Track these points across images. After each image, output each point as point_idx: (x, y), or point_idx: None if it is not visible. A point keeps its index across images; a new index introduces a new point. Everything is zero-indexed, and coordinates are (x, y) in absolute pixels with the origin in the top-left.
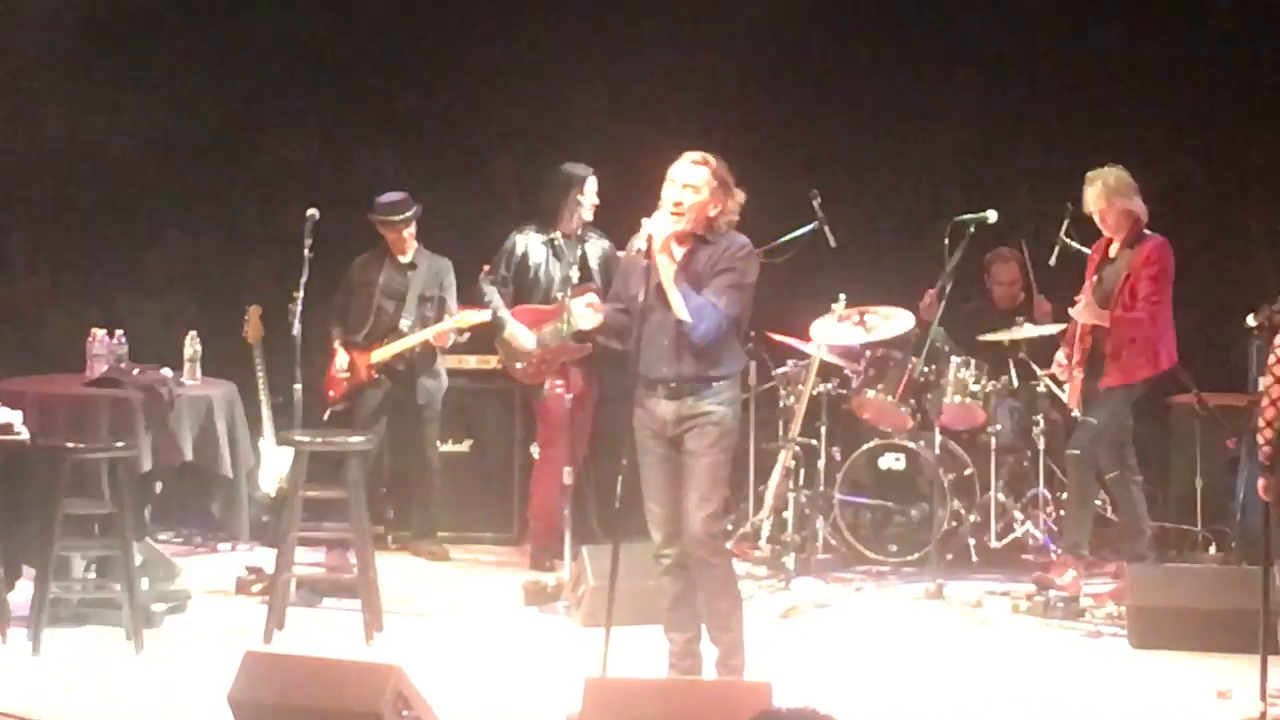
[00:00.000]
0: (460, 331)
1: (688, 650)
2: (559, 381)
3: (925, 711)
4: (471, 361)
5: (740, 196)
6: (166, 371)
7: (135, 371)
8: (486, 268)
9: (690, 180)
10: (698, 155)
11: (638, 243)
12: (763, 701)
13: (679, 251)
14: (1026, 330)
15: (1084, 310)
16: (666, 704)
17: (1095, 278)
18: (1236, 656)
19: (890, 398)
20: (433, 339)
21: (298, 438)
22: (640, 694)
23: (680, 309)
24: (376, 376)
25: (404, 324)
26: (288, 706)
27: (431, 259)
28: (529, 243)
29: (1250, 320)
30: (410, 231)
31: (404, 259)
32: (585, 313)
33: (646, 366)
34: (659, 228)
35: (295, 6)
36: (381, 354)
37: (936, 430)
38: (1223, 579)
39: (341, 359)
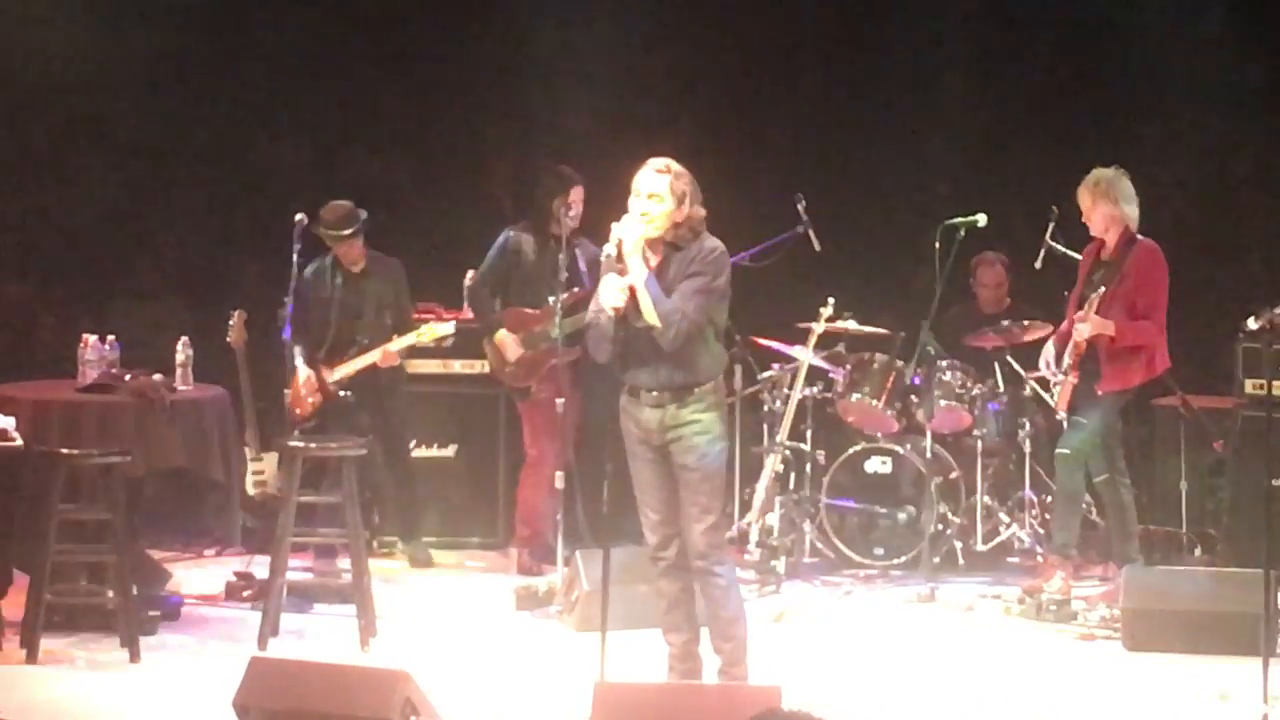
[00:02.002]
0: (412, 349)
1: (687, 652)
2: (545, 386)
3: (923, 716)
4: (456, 365)
5: (701, 211)
6: (158, 377)
7: (127, 377)
8: (472, 272)
9: (654, 189)
10: (660, 163)
11: (608, 248)
12: (772, 706)
13: (652, 258)
14: (1012, 334)
15: (1090, 326)
16: (676, 708)
17: (1089, 286)
18: (1233, 659)
19: (875, 401)
20: (380, 361)
21: (292, 443)
22: (649, 698)
23: (650, 313)
24: (342, 394)
25: (364, 338)
26: (295, 712)
27: (384, 265)
28: (522, 242)
29: (1251, 323)
30: (358, 241)
31: (355, 269)
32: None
33: (629, 374)
34: (629, 231)
35: (287, 11)
36: (344, 370)
37: (929, 434)
38: (1218, 582)
39: (305, 374)
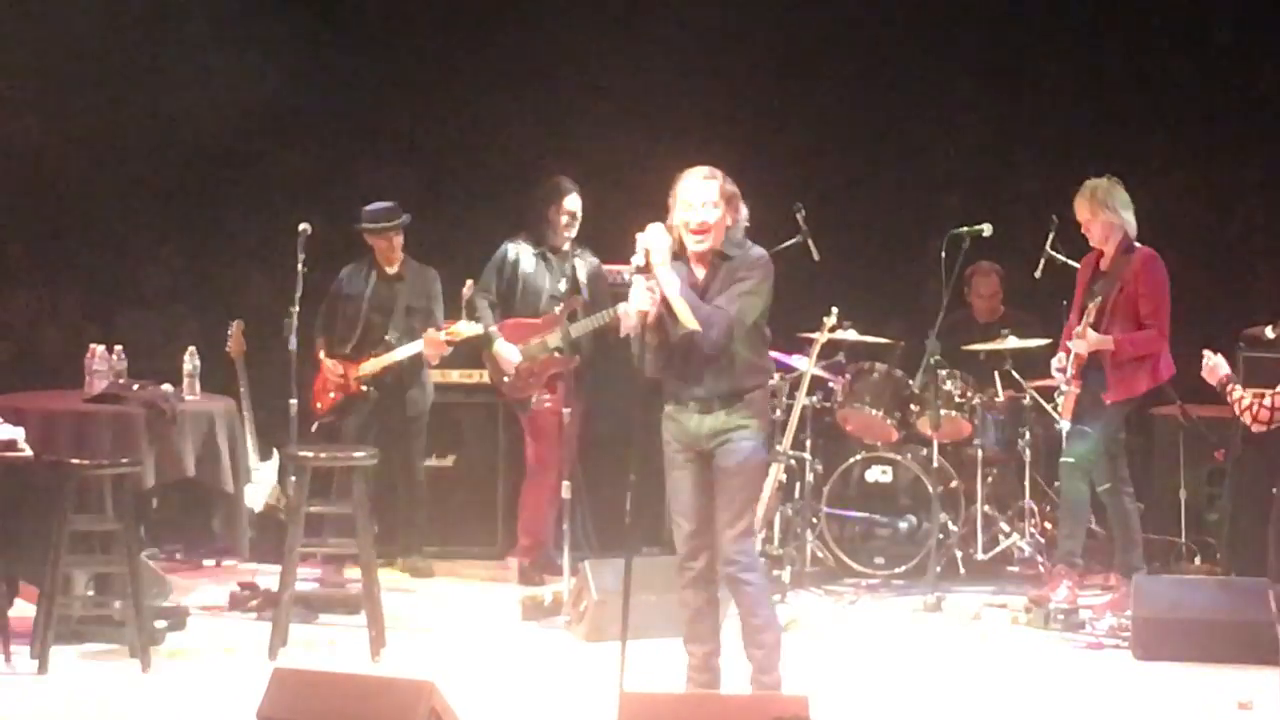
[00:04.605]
0: (451, 344)
1: (706, 664)
2: (547, 396)
3: None
4: (455, 375)
5: (746, 211)
6: (167, 387)
7: (135, 387)
8: (470, 282)
9: (710, 197)
10: (705, 170)
11: (636, 259)
12: (800, 715)
13: (700, 270)
14: (1011, 343)
15: (1087, 343)
16: (703, 717)
17: (1089, 296)
18: (1245, 668)
19: (875, 410)
20: (424, 351)
21: (302, 453)
22: (676, 708)
23: (688, 319)
24: (365, 389)
25: (391, 336)
26: None
27: (419, 270)
28: (520, 253)
29: (1269, 332)
30: (398, 241)
31: (391, 270)
32: (643, 294)
33: (675, 381)
34: (656, 242)
35: (293, 21)
36: (370, 367)
37: (935, 444)
38: (1229, 590)
39: (334, 367)
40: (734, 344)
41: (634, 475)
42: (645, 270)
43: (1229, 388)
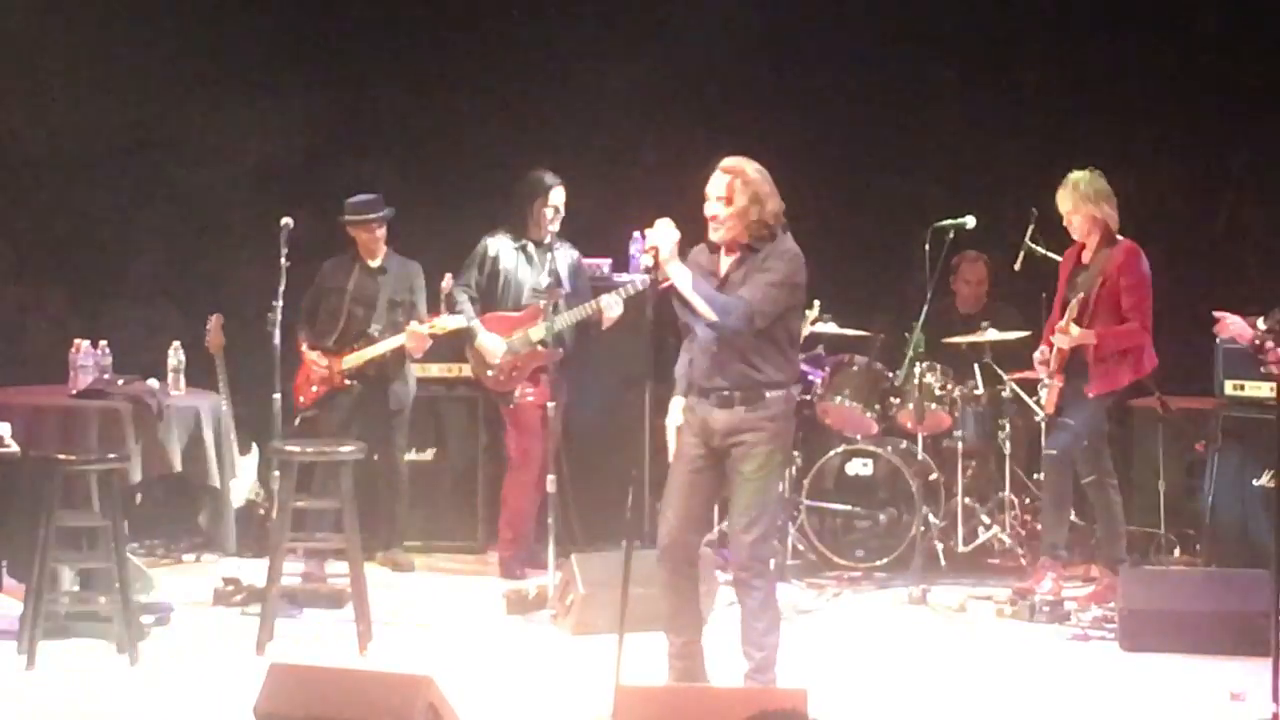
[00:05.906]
0: (434, 337)
1: (686, 651)
2: (530, 389)
3: (928, 717)
4: (435, 369)
5: (777, 205)
6: (153, 382)
7: (120, 382)
8: (449, 276)
9: (719, 192)
10: (728, 163)
11: (644, 259)
12: (798, 708)
13: (727, 261)
14: (991, 335)
15: (1069, 338)
16: (699, 710)
17: (1071, 289)
18: (1231, 659)
19: (854, 403)
20: (407, 344)
21: (288, 448)
22: (673, 701)
23: (704, 309)
24: (347, 383)
25: (374, 329)
26: (316, 719)
27: (402, 263)
28: (500, 247)
29: (1260, 324)
30: (381, 233)
31: (374, 263)
32: (614, 304)
33: (697, 374)
34: (663, 239)
35: (277, 15)
36: (353, 360)
37: (920, 437)
38: (1215, 581)
39: (316, 360)
40: (758, 338)
41: (635, 470)
42: (656, 267)
43: (1265, 344)
